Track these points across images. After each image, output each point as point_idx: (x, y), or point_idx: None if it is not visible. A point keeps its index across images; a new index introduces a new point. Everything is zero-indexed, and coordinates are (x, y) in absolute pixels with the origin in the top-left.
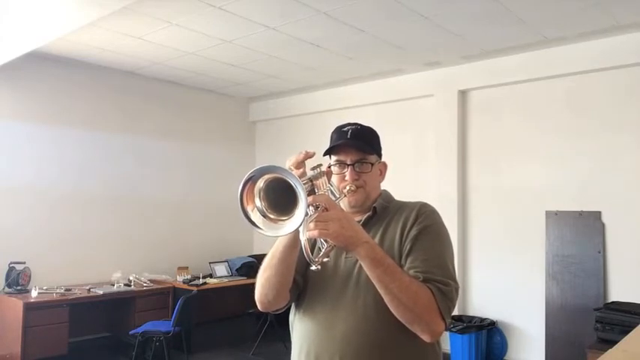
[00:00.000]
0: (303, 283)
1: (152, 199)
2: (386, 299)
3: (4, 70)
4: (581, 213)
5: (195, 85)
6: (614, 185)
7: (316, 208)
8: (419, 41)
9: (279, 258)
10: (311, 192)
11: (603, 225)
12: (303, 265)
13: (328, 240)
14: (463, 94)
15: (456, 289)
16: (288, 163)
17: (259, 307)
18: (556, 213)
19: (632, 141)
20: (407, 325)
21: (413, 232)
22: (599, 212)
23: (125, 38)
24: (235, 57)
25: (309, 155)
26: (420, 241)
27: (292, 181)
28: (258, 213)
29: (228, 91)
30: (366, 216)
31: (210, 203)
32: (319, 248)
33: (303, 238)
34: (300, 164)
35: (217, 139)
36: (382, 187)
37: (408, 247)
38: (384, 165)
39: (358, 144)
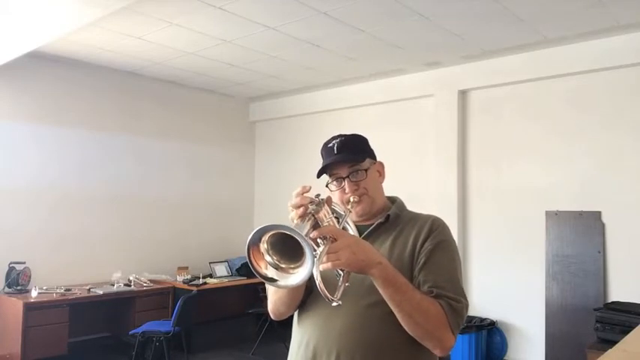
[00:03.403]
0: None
1: (152, 199)
2: (398, 316)
3: (4, 70)
4: (581, 213)
5: (195, 85)
6: (614, 185)
7: (324, 239)
8: (419, 41)
9: None
10: (316, 226)
11: (603, 225)
12: None
13: (342, 270)
14: (463, 94)
15: (467, 306)
16: (289, 204)
17: (272, 316)
18: (556, 213)
19: (632, 141)
20: (418, 340)
21: (427, 246)
22: (599, 212)
23: (125, 38)
24: (235, 57)
25: (305, 190)
26: (435, 256)
27: (290, 233)
28: (271, 268)
29: (228, 91)
30: (377, 222)
31: (210, 203)
32: (337, 274)
33: (317, 279)
34: (300, 203)
35: (217, 139)
36: (387, 192)
37: (422, 260)
38: (381, 165)
39: (345, 157)
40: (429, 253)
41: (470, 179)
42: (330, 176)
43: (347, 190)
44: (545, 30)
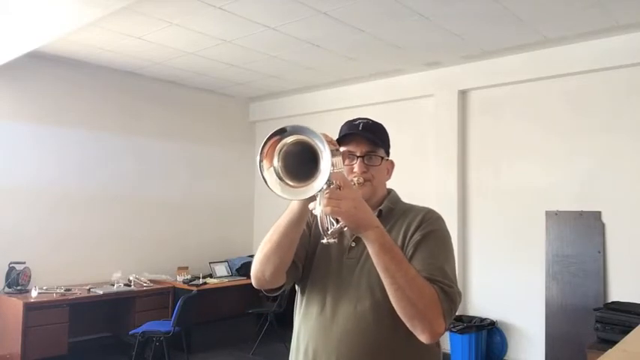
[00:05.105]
0: (304, 276)
1: (152, 199)
2: (390, 290)
3: (4, 70)
4: (581, 213)
5: (195, 85)
6: (614, 185)
7: (329, 184)
8: (419, 41)
9: (281, 233)
10: None
11: (603, 225)
12: (303, 251)
13: (339, 219)
14: (463, 94)
15: (459, 294)
16: None
17: (254, 283)
18: (556, 213)
19: (632, 141)
20: (407, 322)
21: (416, 237)
22: (599, 212)
23: (125, 38)
24: (235, 57)
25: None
26: (424, 246)
27: (320, 146)
28: (273, 174)
29: (228, 91)
30: None
31: (210, 203)
32: (327, 228)
33: (319, 210)
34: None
35: (217, 139)
36: (388, 187)
37: (410, 252)
38: (392, 164)
39: (369, 136)
40: (417, 244)
41: (470, 179)
42: (343, 150)
43: (355, 169)
44: (545, 30)
